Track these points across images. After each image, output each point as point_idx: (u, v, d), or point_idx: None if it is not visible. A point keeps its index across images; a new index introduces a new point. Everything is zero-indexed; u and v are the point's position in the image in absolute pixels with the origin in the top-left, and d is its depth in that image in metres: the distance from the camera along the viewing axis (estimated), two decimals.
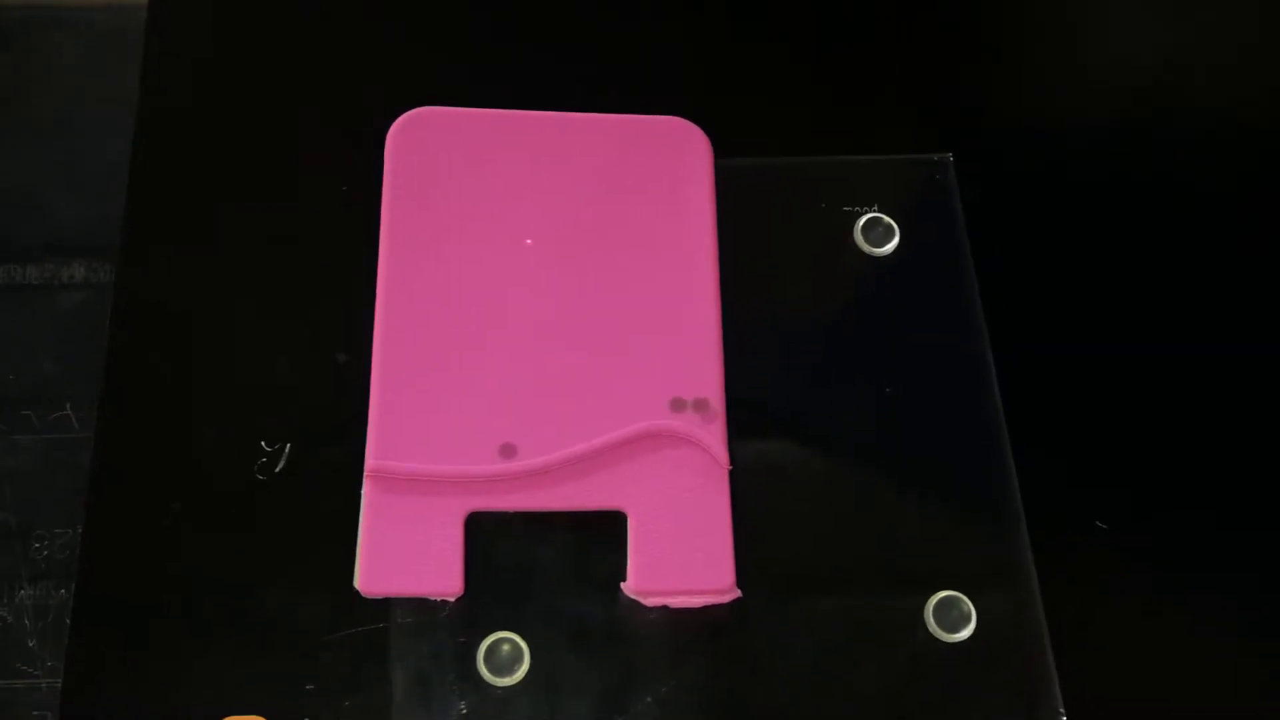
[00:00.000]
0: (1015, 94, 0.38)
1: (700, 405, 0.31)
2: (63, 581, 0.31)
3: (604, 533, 0.30)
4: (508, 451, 0.30)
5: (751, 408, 0.31)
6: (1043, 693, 0.29)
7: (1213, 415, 0.33)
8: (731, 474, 0.30)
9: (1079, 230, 0.36)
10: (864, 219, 0.34)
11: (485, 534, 0.30)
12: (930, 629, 0.30)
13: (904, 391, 0.32)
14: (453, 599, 0.29)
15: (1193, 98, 0.39)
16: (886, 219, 0.34)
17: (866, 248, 0.34)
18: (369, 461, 0.30)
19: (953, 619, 0.30)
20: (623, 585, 0.29)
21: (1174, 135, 0.38)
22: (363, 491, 0.29)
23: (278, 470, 0.31)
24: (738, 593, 0.29)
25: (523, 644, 0.29)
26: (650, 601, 0.29)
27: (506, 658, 0.29)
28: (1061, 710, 0.29)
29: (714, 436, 0.30)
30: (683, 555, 0.30)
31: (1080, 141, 0.37)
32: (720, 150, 0.34)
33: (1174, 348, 0.34)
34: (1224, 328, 0.35)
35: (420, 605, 0.29)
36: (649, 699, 0.29)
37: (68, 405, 0.33)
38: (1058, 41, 0.39)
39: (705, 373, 0.31)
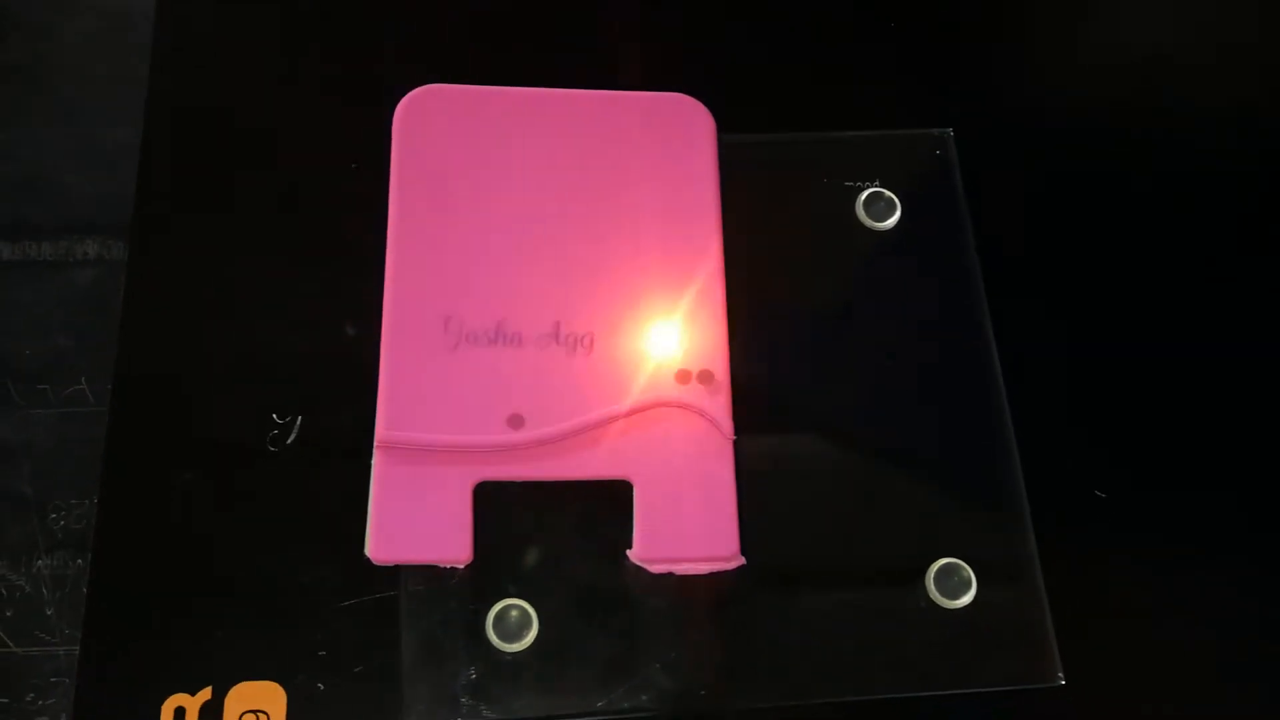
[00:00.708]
0: (1015, 69, 0.38)
1: (705, 377, 0.31)
2: (79, 551, 0.32)
3: (610, 502, 0.30)
4: (516, 422, 0.30)
5: (755, 379, 0.32)
6: (1042, 657, 0.30)
7: (1212, 389, 0.34)
8: (735, 444, 0.31)
9: (1078, 204, 0.36)
10: (866, 193, 0.34)
11: (494, 503, 0.30)
12: (931, 596, 0.30)
13: (904, 362, 0.33)
14: (462, 566, 0.30)
15: (1198, 74, 0.39)
16: (888, 193, 0.34)
17: (868, 222, 0.34)
18: (379, 432, 0.30)
19: (953, 585, 0.30)
20: (629, 553, 0.30)
21: (1175, 112, 0.38)
22: (373, 461, 0.30)
23: (289, 441, 0.31)
24: (742, 560, 0.30)
25: (531, 610, 0.29)
26: (656, 569, 0.30)
27: (515, 624, 0.29)
28: (1060, 674, 0.30)
29: (718, 407, 0.31)
30: (688, 523, 0.30)
31: (1081, 116, 0.37)
32: (724, 126, 0.34)
33: (1174, 322, 0.35)
34: (1226, 304, 0.35)
35: (430, 573, 0.30)
36: (655, 664, 0.29)
37: (82, 379, 0.33)
38: (1060, 16, 0.39)
39: (710, 345, 0.31)
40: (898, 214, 0.34)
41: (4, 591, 0.31)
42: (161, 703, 0.28)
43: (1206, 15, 0.40)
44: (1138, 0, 0.40)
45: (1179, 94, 0.38)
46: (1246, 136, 0.38)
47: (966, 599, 0.30)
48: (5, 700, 0.30)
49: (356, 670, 0.29)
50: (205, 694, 0.28)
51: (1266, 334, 0.35)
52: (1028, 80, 0.38)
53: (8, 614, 0.31)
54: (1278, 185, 0.37)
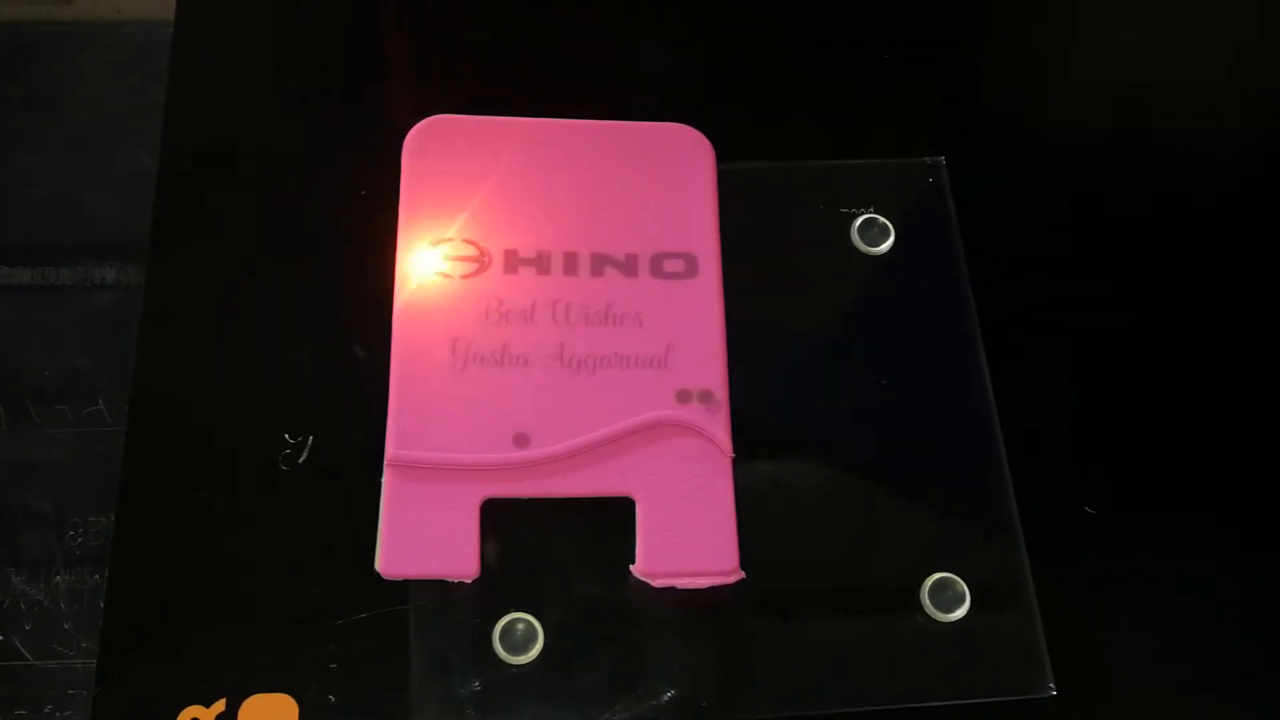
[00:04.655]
0: (1007, 98, 0.39)
1: (705, 396, 0.32)
2: (96, 567, 0.32)
3: (613, 518, 0.31)
4: (521, 441, 0.31)
5: (753, 399, 0.32)
6: (1034, 669, 0.30)
7: (1202, 407, 0.35)
8: (735, 462, 0.31)
9: (1069, 228, 0.37)
10: (860, 219, 0.35)
11: (500, 519, 0.31)
12: (926, 609, 0.31)
13: (898, 384, 0.33)
14: (469, 581, 0.30)
15: (1188, 99, 0.40)
16: (882, 219, 0.35)
17: (863, 247, 0.35)
18: (389, 451, 0.31)
19: (947, 599, 0.31)
20: (632, 568, 0.31)
21: (1168, 136, 0.39)
22: (383, 479, 0.31)
23: (301, 460, 0.32)
24: (742, 574, 0.31)
25: (536, 624, 0.30)
26: (658, 583, 0.31)
27: (521, 637, 0.30)
28: (1052, 685, 0.30)
29: (718, 426, 0.32)
30: (689, 539, 0.31)
31: (1072, 142, 0.38)
32: (723, 155, 0.35)
33: (1164, 342, 0.35)
34: (1218, 326, 0.36)
35: (438, 587, 0.30)
36: (657, 675, 0.30)
37: (100, 400, 0.34)
38: (1050, 44, 0.40)
39: (709, 366, 0.32)
40: (891, 239, 0.35)
41: (23, 606, 0.32)
42: (176, 715, 0.29)
43: (1201, 38, 0.41)
44: (1130, 26, 0.41)
45: (1171, 118, 0.39)
46: (1241, 159, 0.39)
47: (960, 613, 0.31)
48: (24, 712, 0.31)
49: (366, 682, 0.29)
50: (219, 706, 0.29)
51: (1257, 353, 0.35)
52: (1019, 109, 0.39)
53: (26, 628, 0.32)
54: (1270, 209, 0.38)
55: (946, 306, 0.34)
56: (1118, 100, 0.39)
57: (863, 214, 0.35)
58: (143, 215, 0.34)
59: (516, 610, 0.30)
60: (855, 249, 0.35)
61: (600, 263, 0.33)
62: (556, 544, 0.31)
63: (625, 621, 0.30)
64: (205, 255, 0.34)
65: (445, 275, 0.33)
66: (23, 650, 0.31)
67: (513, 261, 0.33)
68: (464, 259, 0.33)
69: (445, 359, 0.32)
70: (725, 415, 0.32)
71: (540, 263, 0.33)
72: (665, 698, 0.30)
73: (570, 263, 0.33)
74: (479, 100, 0.35)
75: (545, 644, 0.30)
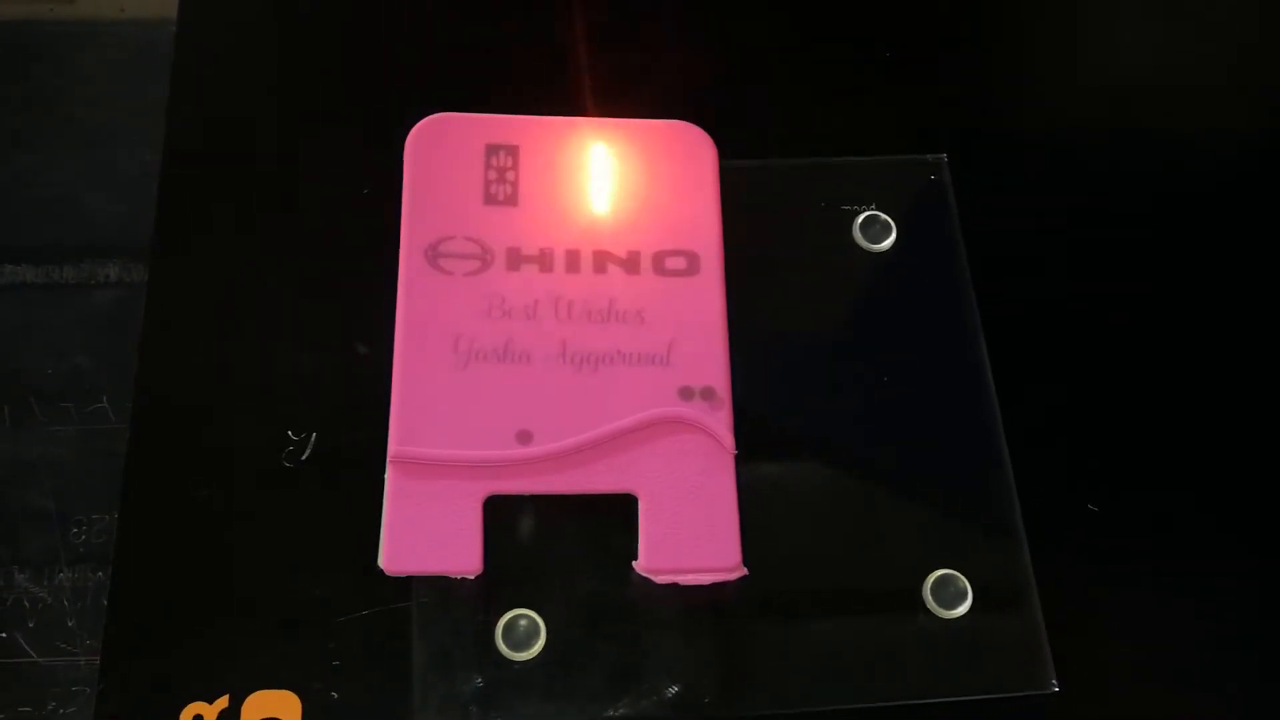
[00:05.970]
0: (1007, 96, 0.39)
1: (707, 393, 0.32)
2: (100, 564, 0.32)
3: (616, 514, 0.31)
4: (524, 438, 0.31)
5: (755, 396, 0.33)
6: (1036, 665, 0.30)
7: (1204, 406, 0.35)
8: (737, 459, 0.31)
9: (1069, 226, 0.37)
10: (862, 217, 0.35)
11: (503, 515, 0.31)
12: (928, 606, 0.31)
13: (900, 381, 0.33)
14: (472, 577, 0.30)
15: (1188, 99, 0.40)
16: (884, 216, 0.35)
17: (865, 244, 0.35)
18: (392, 447, 0.31)
19: (950, 596, 0.31)
20: (634, 564, 0.31)
21: (1168, 136, 0.39)
22: (386, 476, 0.31)
23: (304, 457, 0.32)
24: (744, 571, 0.31)
25: (539, 620, 0.30)
26: (660, 579, 0.31)
27: (523, 633, 0.30)
28: (1054, 681, 0.30)
29: (720, 423, 0.32)
30: (691, 535, 0.31)
31: (1072, 141, 0.38)
32: (726, 152, 0.35)
33: (1167, 345, 0.35)
34: (1219, 326, 0.36)
35: (441, 584, 0.30)
36: (659, 672, 0.30)
37: (104, 398, 0.34)
38: (1052, 42, 0.40)
39: (712, 363, 0.32)
40: (893, 236, 0.35)
41: (27, 603, 0.32)
42: (180, 711, 0.29)
43: (1201, 38, 0.41)
44: (1130, 26, 0.41)
45: (1171, 118, 0.39)
46: (1241, 159, 0.39)
47: (963, 609, 0.31)
48: (28, 708, 0.31)
49: (370, 679, 0.30)
50: (222, 702, 0.29)
51: (1258, 353, 0.35)
52: (1020, 107, 0.39)
53: (30, 625, 0.32)
54: (1270, 209, 0.38)
55: (948, 304, 0.34)
56: (1118, 100, 0.39)
57: (864, 211, 0.35)
58: (144, 214, 0.34)
59: (519, 607, 0.30)
60: (857, 246, 0.35)
61: (602, 260, 0.33)
62: (559, 540, 0.31)
63: (628, 618, 0.30)
64: (208, 254, 0.34)
65: (448, 273, 0.33)
66: (26, 647, 0.32)
67: (515, 259, 0.33)
68: (466, 256, 0.33)
69: (448, 356, 0.32)
70: (727, 412, 0.32)
71: (543, 260, 0.33)
72: (668, 694, 0.30)
73: (572, 260, 0.33)
74: (479, 99, 0.35)
75: (548, 640, 0.30)
